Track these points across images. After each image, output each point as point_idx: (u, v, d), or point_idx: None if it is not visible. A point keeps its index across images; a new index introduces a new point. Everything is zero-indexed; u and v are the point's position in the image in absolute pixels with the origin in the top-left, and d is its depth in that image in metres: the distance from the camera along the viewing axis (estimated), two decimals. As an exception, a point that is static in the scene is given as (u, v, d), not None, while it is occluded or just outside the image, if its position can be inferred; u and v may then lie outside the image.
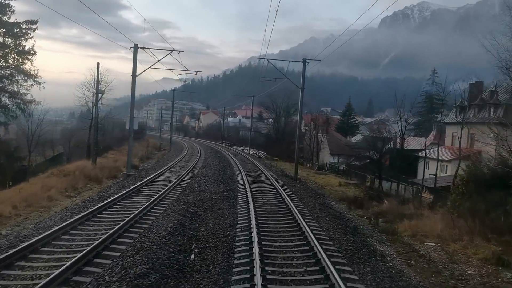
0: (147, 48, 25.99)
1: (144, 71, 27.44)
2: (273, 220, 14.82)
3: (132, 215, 13.35)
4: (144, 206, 14.79)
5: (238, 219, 14.64)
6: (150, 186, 20.83)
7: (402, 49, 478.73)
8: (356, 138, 79.20)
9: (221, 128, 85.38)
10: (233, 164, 36.84)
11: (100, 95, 33.38)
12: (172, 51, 26.73)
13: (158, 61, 27.03)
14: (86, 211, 14.12)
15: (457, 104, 44.83)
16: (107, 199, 16.34)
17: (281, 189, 20.81)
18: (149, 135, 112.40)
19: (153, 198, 16.41)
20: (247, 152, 58.95)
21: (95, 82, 32.98)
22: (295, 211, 15.53)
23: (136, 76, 26.43)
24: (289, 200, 17.81)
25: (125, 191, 18.13)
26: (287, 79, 32.87)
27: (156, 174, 25.45)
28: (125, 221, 12.59)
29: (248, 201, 17.28)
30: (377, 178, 33.22)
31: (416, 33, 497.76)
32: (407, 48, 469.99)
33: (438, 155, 34.89)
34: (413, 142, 56.74)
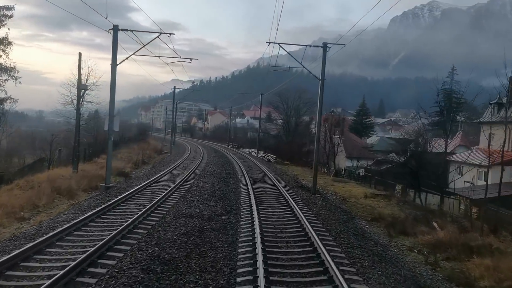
0: (130, 30, 20.64)
1: (127, 58, 22.09)
2: (293, 272, 9.41)
3: (57, 276, 8.01)
4: (90, 251, 9.45)
5: (238, 270, 9.27)
6: (123, 206, 15.51)
7: (412, 49, 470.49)
8: (372, 139, 73.45)
9: (229, 129, 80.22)
10: (238, 171, 31.47)
11: (82, 91, 28.17)
12: (160, 34, 21.84)
13: (144, 46, 21.70)
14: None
15: (494, 101, 39.02)
16: (45, 234, 11.08)
17: (300, 212, 15.32)
18: (155, 136, 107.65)
19: (114, 233, 11.03)
20: (255, 155, 53.62)
21: (78, 76, 27.71)
22: (325, 256, 10.10)
23: (117, 64, 21.15)
24: (313, 232, 12.31)
25: (82, 218, 12.84)
26: (302, 70, 27.27)
27: (142, 186, 20.21)
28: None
29: (255, 234, 11.89)
30: (411, 188, 27.56)
31: (427, 33, 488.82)
32: (417, 48, 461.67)
33: (469, 159, 29.33)
34: (434, 144, 50.95)
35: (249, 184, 22.70)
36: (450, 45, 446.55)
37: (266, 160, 48.14)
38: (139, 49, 21.99)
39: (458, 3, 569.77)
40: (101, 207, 14.60)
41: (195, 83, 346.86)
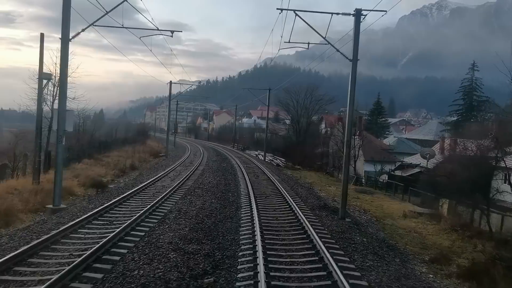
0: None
1: (83, 30, 15.99)
2: None
3: None
4: None
5: None
6: (42, 256, 9.32)
7: (420, 48, 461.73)
8: (389, 140, 66.77)
9: (234, 130, 73.86)
10: (241, 181, 25.20)
11: (45, 81, 22.04)
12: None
13: (107, 13, 15.66)
14: None
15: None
16: None
17: (334, 263, 9.02)
18: (158, 137, 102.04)
19: None
20: (262, 158, 47.39)
21: (40, 64, 21.55)
22: None
23: (70, 39, 15.05)
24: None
25: None
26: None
27: (107, 206, 14.19)
28: None
29: None
30: (463, 204, 21.03)
31: (435, 32, 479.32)
32: (426, 47, 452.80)
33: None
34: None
35: (253, 202, 16.44)
36: (460, 44, 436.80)
37: (275, 164, 41.90)
38: (101, 17, 16.05)
39: (467, 2, 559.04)
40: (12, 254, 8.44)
41: (201, 83, 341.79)
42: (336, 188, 27.22)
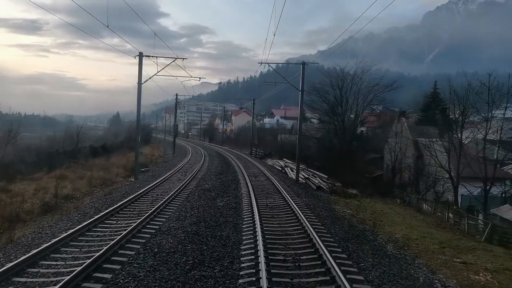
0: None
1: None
2: None
3: None
4: None
5: None
6: None
7: (448, 44, 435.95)
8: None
9: (252, 131, 56.86)
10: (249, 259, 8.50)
11: None
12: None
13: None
14: None
15: None
16: None
17: None
18: (167, 140, 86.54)
19: None
20: (291, 173, 30.74)
21: None
22: None
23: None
24: None
25: None
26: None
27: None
28: None
29: None
30: None
31: (463, 27, 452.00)
32: (453, 42, 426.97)
33: None
34: None
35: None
36: (489, 38, 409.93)
37: (315, 186, 25.12)
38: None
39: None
40: None
41: (222, 84, 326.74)
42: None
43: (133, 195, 17.08)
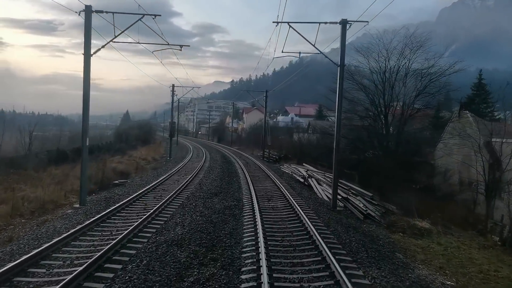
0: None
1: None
2: None
3: None
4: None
5: None
6: None
7: (465, 40, 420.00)
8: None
9: (264, 130, 47.26)
10: None
11: None
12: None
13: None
14: None
15: None
16: None
17: None
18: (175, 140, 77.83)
19: None
20: (319, 188, 21.53)
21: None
22: None
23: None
24: None
25: None
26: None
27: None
28: None
29: None
30: None
31: (480, 22, 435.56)
32: (471, 38, 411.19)
33: None
34: None
35: None
36: (508, 34, 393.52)
37: (362, 215, 15.80)
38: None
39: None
40: None
41: (234, 82, 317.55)
42: None
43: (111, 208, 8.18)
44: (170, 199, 15.63)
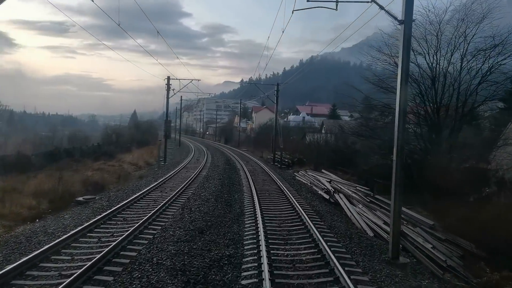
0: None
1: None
2: None
3: None
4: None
5: None
6: None
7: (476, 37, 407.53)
8: None
9: (275, 129, 40.76)
10: None
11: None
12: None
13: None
14: None
15: None
16: None
17: None
18: (179, 141, 72.45)
19: None
20: (353, 212, 15.22)
21: None
22: None
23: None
24: None
25: None
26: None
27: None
28: None
29: None
30: None
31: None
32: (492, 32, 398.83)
33: None
34: None
35: None
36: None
37: (441, 272, 9.33)
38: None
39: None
40: None
41: (244, 82, 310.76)
42: None
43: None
44: (116, 249, 9.38)
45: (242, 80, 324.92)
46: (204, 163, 30.86)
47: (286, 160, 36.92)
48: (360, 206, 15.94)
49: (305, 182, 23.97)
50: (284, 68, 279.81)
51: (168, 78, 32.34)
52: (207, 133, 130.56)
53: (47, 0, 13.17)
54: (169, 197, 15.38)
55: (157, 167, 31.39)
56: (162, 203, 14.18)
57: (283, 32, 20.78)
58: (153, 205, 14.23)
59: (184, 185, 18.88)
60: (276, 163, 36.42)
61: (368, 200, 15.96)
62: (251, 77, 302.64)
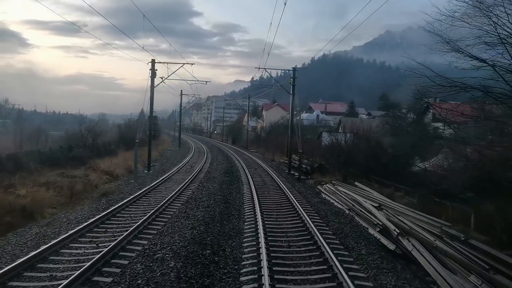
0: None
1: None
2: None
3: None
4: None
5: None
6: None
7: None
8: None
9: (290, 127, 32.42)
10: None
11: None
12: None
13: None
14: None
15: None
16: None
17: None
18: (184, 140, 65.59)
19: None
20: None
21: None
22: None
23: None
24: None
25: None
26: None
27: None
28: None
29: None
30: None
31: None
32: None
33: None
34: None
35: None
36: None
37: None
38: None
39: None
40: None
41: (255, 80, 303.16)
42: None
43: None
44: None
45: (252, 78, 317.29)
46: (198, 171, 23.10)
47: (304, 165, 28.96)
48: (473, 278, 7.95)
49: (339, 205, 16.06)
50: (295, 66, 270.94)
51: (153, 61, 24.68)
52: (215, 132, 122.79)
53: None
54: (117, 241, 7.62)
55: (139, 176, 23.76)
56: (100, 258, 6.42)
57: (271, 22, 12.91)
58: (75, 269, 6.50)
59: (158, 209, 11.15)
60: (292, 171, 28.46)
61: (487, 267, 7.96)
62: (261, 74, 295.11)
